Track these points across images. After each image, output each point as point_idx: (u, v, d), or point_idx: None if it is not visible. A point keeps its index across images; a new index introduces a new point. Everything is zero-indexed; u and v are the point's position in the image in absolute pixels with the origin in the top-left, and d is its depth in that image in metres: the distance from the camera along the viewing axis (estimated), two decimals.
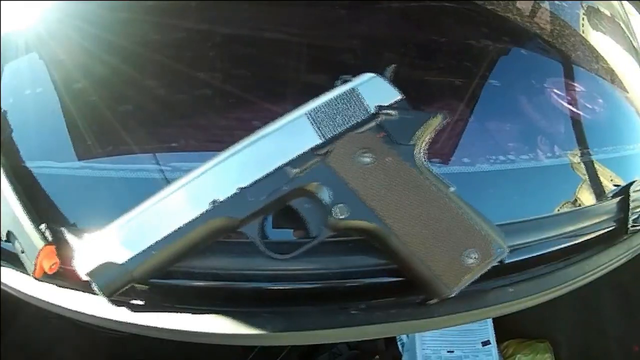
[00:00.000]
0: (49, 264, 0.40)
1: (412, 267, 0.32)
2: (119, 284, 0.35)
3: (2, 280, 0.45)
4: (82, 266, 0.36)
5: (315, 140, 0.32)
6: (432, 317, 0.32)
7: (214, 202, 0.33)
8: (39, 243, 0.41)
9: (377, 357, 0.58)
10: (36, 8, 0.52)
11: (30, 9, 0.53)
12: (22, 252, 0.43)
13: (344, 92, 0.32)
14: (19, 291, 0.43)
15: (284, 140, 0.32)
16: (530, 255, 0.37)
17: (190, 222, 0.33)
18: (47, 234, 0.41)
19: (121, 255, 0.35)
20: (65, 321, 0.78)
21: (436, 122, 0.32)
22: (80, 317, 0.38)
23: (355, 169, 0.32)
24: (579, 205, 0.42)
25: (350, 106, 0.32)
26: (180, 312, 0.35)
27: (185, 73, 0.45)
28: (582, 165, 0.43)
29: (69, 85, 0.50)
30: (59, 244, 0.41)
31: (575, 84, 0.46)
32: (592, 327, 0.55)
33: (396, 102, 0.32)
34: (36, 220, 0.42)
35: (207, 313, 0.35)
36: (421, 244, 0.32)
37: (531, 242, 0.37)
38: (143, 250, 0.34)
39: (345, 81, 0.33)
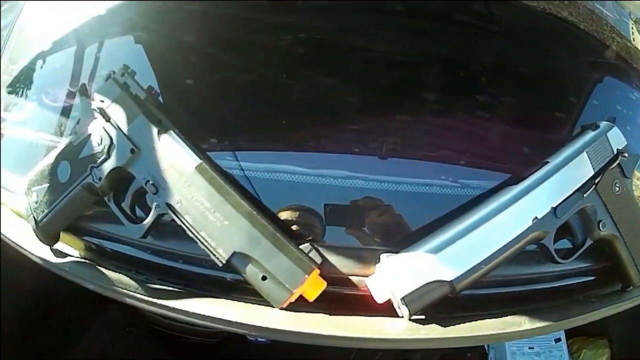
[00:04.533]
0: (316, 290, 0.36)
1: (625, 264, 0.45)
2: (434, 300, 0.36)
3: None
4: (396, 288, 0.35)
5: (590, 171, 0.42)
6: (633, 298, 0.46)
7: (535, 219, 0.39)
8: (305, 266, 0.36)
9: (469, 354, 0.67)
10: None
11: None
12: (265, 278, 0.36)
13: (600, 136, 0.43)
14: (269, 329, 0.35)
15: (576, 169, 0.41)
16: None
17: (517, 237, 0.38)
18: (314, 254, 0.36)
19: (447, 273, 0.36)
20: (144, 330, 0.62)
21: None
22: (380, 345, 0.35)
23: (611, 195, 0.43)
24: None
25: (604, 147, 0.43)
26: (483, 318, 0.38)
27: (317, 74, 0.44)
28: None
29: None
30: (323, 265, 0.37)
31: None
32: None
33: (625, 147, 0.45)
34: (289, 237, 0.37)
35: (499, 316, 0.39)
36: (635, 247, 0.45)
37: None
38: (474, 266, 0.37)
39: (597, 127, 0.44)
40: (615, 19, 0.47)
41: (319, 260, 0.36)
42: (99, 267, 0.42)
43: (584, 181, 0.42)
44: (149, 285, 0.40)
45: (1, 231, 0.49)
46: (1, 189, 0.53)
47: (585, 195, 0.41)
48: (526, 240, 0.39)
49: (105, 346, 0.63)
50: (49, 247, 0.45)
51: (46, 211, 0.44)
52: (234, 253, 0.37)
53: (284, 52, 0.45)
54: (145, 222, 0.40)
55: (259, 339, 0.66)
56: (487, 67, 0.42)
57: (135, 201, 0.41)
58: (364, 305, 0.38)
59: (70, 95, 0.52)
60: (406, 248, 0.37)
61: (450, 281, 0.36)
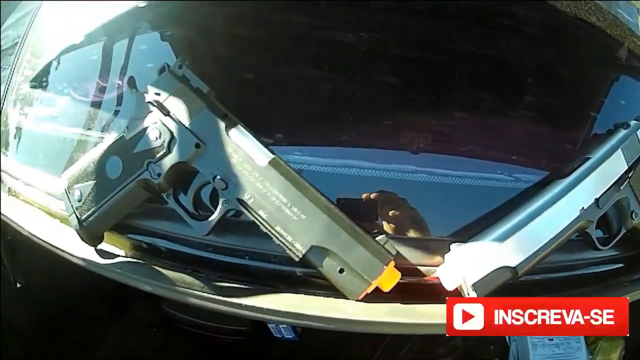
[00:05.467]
0: (392, 280, 0.37)
1: None
2: (498, 285, 0.38)
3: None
4: (467, 275, 0.37)
5: (624, 166, 0.46)
6: None
7: (582, 209, 0.42)
8: (383, 258, 0.37)
9: (492, 347, 0.69)
10: None
11: None
12: (342, 271, 0.37)
13: (631, 134, 0.47)
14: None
15: (614, 164, 0.45)
16: None
17: (567, 225, 0.41)
18: (390, 246, 0.37)
19: (512, 259, 0.38)
20: (169, 330, 0.59)
21: None
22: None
23: None
24: None
25: (635, 144, 0.47)
26: None
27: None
28: None
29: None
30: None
31: None
32: None
33: None
34: (364, 229, 0.37)
35: None
36: None
37: None
38: (533, 253, 0.39)
39: (628, 126, 0.48)
40: (634, 23, 0.51)
41: (394, 251, 0.37)
42: (155, 267, 0.41)
43: (619, 175, 0.46)
44: (214, 283, 0.39)
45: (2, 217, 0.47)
46: (3, 174, 0.51)
47: (621, 187, 0.45)
48: (574, 229, 0.42)
49: (130, 347, 0.60)
50: (93, 248, 0.43)
51: (92, 210, 0.42)
52: (312, 247, 0.37)
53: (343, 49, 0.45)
54: (211, 219, 0.39)
55: (286, 336, 0.66)
56: (531, 71, 0.45)
57: (197, 197, 0.40)
58: (428, 293, 0.39)
59: (102, 89, 0.50)
60: (472, 238, 0.39)
61: (514, 267, 0.39)
